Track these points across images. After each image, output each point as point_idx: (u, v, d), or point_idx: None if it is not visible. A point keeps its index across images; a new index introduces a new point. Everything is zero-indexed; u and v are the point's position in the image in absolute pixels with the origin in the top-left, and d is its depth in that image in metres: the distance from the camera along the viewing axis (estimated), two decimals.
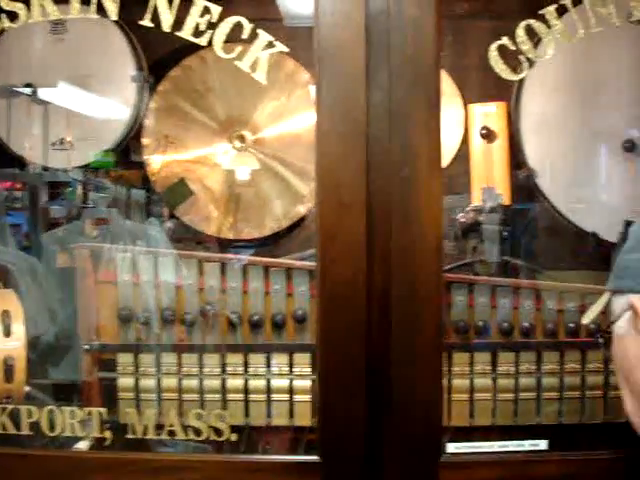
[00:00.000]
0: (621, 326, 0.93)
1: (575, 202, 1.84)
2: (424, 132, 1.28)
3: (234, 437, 1.42)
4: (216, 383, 1.63)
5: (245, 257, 1.68)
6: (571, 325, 1.65)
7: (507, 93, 1.84)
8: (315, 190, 1.31)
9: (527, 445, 1.37)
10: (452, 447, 1.34)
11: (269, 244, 1.93)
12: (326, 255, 1.29)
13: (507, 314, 1.66)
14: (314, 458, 1.32)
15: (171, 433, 1.42)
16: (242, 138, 1.89)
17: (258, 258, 1.66)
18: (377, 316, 1.30)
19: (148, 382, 1.63)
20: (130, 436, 1.43)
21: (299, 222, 1.92)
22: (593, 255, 1.84)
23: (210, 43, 1.32)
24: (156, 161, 1.90)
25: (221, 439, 1.41)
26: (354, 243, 1.28)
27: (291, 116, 1.89)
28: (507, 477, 1.33)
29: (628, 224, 1.75)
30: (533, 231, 1.91)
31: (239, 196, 1.90)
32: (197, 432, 1.41)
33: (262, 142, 1.90)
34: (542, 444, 1.37)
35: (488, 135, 1.80)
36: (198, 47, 1.37)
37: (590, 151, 1.86)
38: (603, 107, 1.85)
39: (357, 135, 1.28)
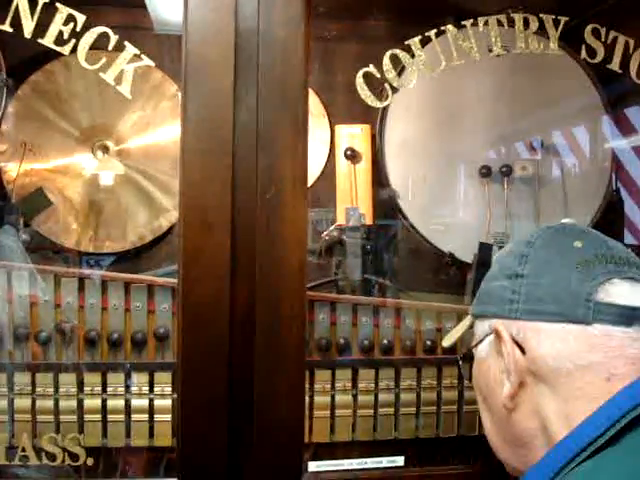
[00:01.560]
0: (482, 350, 0.98)
1: (433, 223, 1.92)
2: (290, 154, 1.29)
3: (90, 461, 1.37)
4: (72, 403, 1.56)
5: (104, 272, 1.63)
6: (428, 342, 1.72)
7: (373, 116, 1.88)
8: (179, 209, 1.29)
9: (385, 462, 1.41)
10: (313, 466, 1.36)
11: (130, 258, 1.87)
12: (189, 274, 1.28)
13: (368, 332, 1.70)
14: None
15: (24, 457, 1.35)
16: (105, 148, 1.83)
17: (119, 274, 1.61)
18: (240, 335, 1.30)
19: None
20: None
21: (162, 237, 1.88)
22: (449, 275, 1.92)
23: (73, 52, 1.27)
24: (13, 169, 1.80)
25: (77, 463, 1.36)
26: (218, 262, 1.27)
27: (156, 128, 1.85)
28: None
29: (482, 246, 1.85)
30: (394, 250, 1.97)
31: (100, 208, 1.84)
32: (52, 457, 1.35)
33: (126, 153, 1.84)
34: (399, 460, 1.41)
35: (353, 156, 1.84)
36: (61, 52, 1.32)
37: (449, 175, 1.95)
38: (462, 134, 1.94)
39: (223, 154, 1.27)
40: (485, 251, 1.87)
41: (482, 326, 0.99)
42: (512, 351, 0.90)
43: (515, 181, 1.95)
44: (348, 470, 1.38)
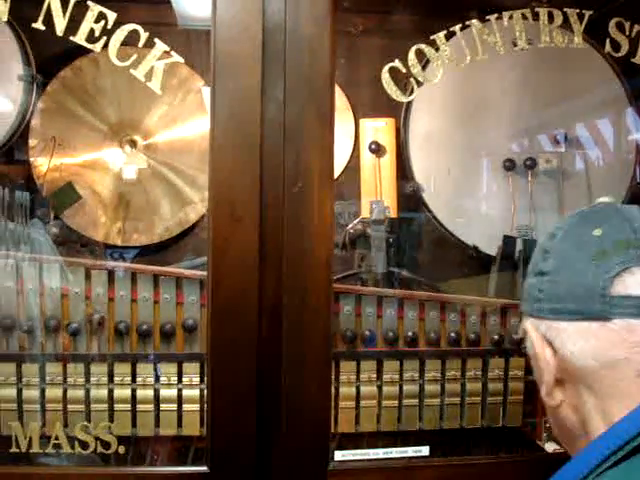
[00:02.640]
0: (528, 347, 0.97)
1: (457, 216, 1.93)
2: (317, 148, 1.31)
3: (122, 449, 1.40)
4: (103, 393, 1.59)
5: (133, 265, 1.66)
6: (452, 334, 1.73)
7: (397, 110, 1.90)
8: (208, 202, 1.32)
9: (410, 451, 1.43)
10: (339, 455, 1.38)
11: (158, 251, 1.90)
12: (218, 267, 1.30)
13: (392, 324, 1.71)
14: (203, 469, 1.32)
15: (56, 446, 1.39)
16: (133, 143, 1.86)
17: (148, 266, 1.64)
18: (268, 327, 1.32)
19: (32, 393, 1.57)
20: (14, 450, 1.38)
21: (189, 230, 1.91)
22: (473, 267, 1.94)
23: (104, 48, 1.30)
24: (43, 163, 1.84)
25: (109, 452, 1.39)
26: (246, 255, 1.30)
27: (183, 122, 1.88)
28: None
29: (506, 238, 1.86)
30: (418, 243, 1.98)
31: (128, 202, 1.87)
32: (84, 445, 1.39)
33: (154, 147, 1.87)
34: (424, 450, 1.43)
35: (377, 150, 1.86)
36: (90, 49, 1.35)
37: (472, 168, 1.95)
38: (486, 127, 1.95)
39: (251, 149, 1.30)
40: (509, 244, 1.88)
41: (525, 323, 0.98)
42: (542, 350, 0.91)
43: (539, 174, 1.96)
44: (373, 459, 1.41)
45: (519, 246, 1.89)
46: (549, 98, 1.97)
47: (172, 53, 1.32)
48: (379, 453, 1.42)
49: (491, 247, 1.91)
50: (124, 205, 1.85)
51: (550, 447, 1.72)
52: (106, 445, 1.39)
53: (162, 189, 1.87)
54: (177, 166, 1.88)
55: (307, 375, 1.33)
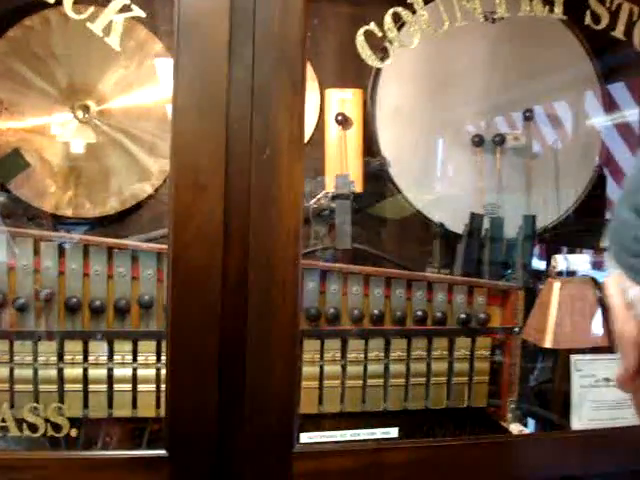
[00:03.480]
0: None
1: (424, 193, 1.88)
2: (287, 113, 1.24)
3: (74, 432, 1.31)
4: (52, 373, 1.50)
5: (86, 237, 1.56)
6: (419, 313, 1.68)
7: (364, 81, 1.83)
8: (169, 170, 1.23)
9: (378, 433, 1.38)
10: (305, 437, 1.32)
11: (112, 223, 1.80)
12: (180, 239, 1.22)
13: (358, 301, 1.66)
14: (161, 452, 1.25)
15: (3, 429, 1.29)
16: (86, 108, 1.75)
17: (102, 238, 1.54)
18: (232, 302, 1.25)
19: None
20: None
21: (146, 201, 1.81)
22: (439, 245, 1.89)
23: (59, 2, 1.20)
24: None
25: (59, 435, 1.30)
26: (210, 227, 1.22)
27: (140, 88, 1.77)
28: (359, 465, 1.33)
29: (473, 216, 1.82)
30: (384, 219, 1.93)
31: (80, 170, 1.76)
32: (33, 428, 1.29)
33: (108, 114, 1.76)
34: (393, 432, 1.38)
35: (344, 122, 1.79)
36: (41, 6, 1.24)
37: (441, 144, 1.90)
38: (455, 102, 1.89)
39: (217, 112, 1.21)
40: (476, 222, 1.84)
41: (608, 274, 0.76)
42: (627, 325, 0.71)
43: (507, 151, 1.92)
44: (341, 442, 1.35)
45: (486, 224, 1.85)
46: (519, 75, 1.93)
47: (133, 7, 1.22)
48: (346, 435, 1.36)
49: (458, 225, 1.86)
50: (76, 174, 1.75)
51: (515, 428, 1.69)
52: (57, 428, 1.30)
53: (117, 157, 1.76)
54: (134, 133, 1.77)
55: (273, 355, 1.26)
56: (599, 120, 2.04)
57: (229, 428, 1.26)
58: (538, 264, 1.94)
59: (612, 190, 2.10)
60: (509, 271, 1.86)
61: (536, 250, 1.95)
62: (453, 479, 1.39)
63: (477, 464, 1.42)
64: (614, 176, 2.14)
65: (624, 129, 2.18)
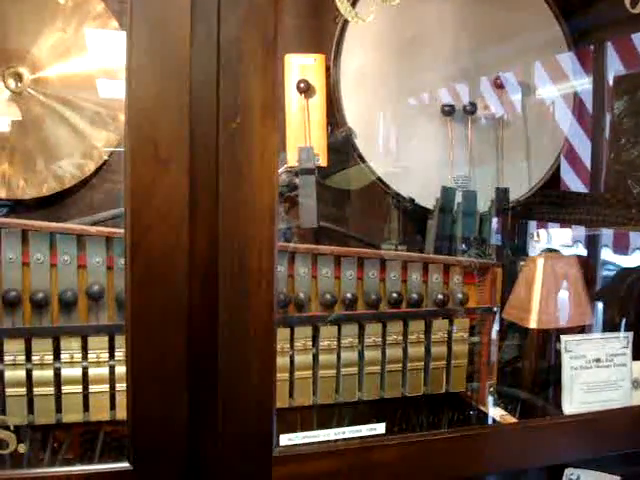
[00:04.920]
0: None
1: (392, 166, 1.75)
2: (259, 76, 1.09)
3: (22, 449, 1.14)
4: None
5: (23, 221, 1.37)
6: (393, 295, 1.57)
7: (326, 45, 1.69)
8: (125, 142, 1.07)
9: (364, 430, 1.26)
10: (285, 439, 1.19)
11: (52, 205, 1.61)
12: (139, 221, 1.06)
13: (329, 285, 1.53)
14: (124, 465, 1.09)
15: None
16: (18, 76, 1.55)
17: (43, 222, 1.36)
18: (200, 291, 1.10)
19: None
20: None
21: (89, 178, 1.62)
22: (410, 221, 1.78)
23: None
24: None
25: (5, 451, 1.13)
26: (173, 207, 1.07)
27: (80, 53, 1.58)
28: (345, 466, 1.21)
29: (445, 190, 1.71)
30: (351, 195, 1.80)
31: (14, 146, 1.56)
32: None
33: (44, 82, 1.56)
34: (379, 427, 1.27)
35: (306, 89, 1.64)
36: None
37: (409, 113, 1.78)
38: (423, 68, 1.77)
39: (179, 76, 1.06)
40: (448, 196, 1.73)
41: None
42: None
43: (477, 121, 1.81)
44: (325, 441, 1.23)
45: (458, 198, 1.74)
46: (490, 39, 1.82)
47: None
48: (330, 434, 1.24)
49: (428, 199, 1.75)
50: (9, 150, 1.55)
51: (497, 413, 1.61)
52: (2, 444, 1.14)
53: (56, 131, 1.57)
54: (75, 103, 1.58)
55: (248, 349, 1.12)
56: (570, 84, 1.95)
57: (201, 434, 1.12)
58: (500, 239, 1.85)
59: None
60: (466, 247, 1.76)
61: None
62: (445, 472, 1.29)
63: (467, 455, 1.33)
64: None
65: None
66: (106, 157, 1.59)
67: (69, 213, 1.61)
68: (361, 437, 1.26)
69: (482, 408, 1.64)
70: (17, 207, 1.57)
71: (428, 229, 1.75)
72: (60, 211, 1.61)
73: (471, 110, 1.77)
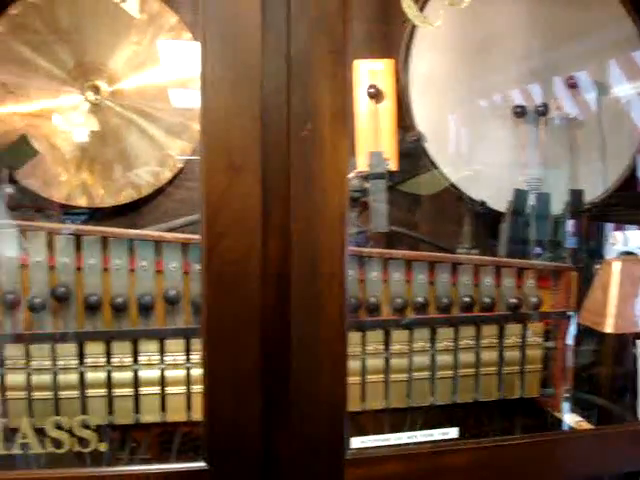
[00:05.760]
0: None
1: (463, 169, 1.74)
2: (329, 82, 1.10)
3: (103, 447, 1.19)
4: (73, 377, 1.38)
5: (103, 229, 1.42)
6: (465, 299, 1.55)
7: (395, 50, 1.69)
8: (200, 150, 1.10)
9: (437, 434, 1.25)
10: (357, 441, 1.20)
11: (130, 213, 1.67)
12: (213, 228, 1.09)
13: (400, 288, 1.53)
14: (200, 465, 1.12)
15: (24, 446, 1.16)
16: (96, 89, 1.61)
17: (122, 230, 1.41)
18: (273, 296, 1.12)
19: None
20: None
21: (165, 186, 1.67)
22: (482, 224, 1.76)
23: None
24: None
25: (87, 450, 1.18)
26: (247, 213, 1.09)
27: (155, 65, 1.63)
28: (417, 470, 1.21)
29: (517, 192, 1.68)
30: (422, 199, 1.80)
31: (93, 156, 1.63)
32: (57, 443, 1.17)
33: (121, 94, 1.63)
34: (452, 432, 1.26)
35: (376, 95, 1.65)
36: None
37: (480, 116, 1.76)
38: (493, 70, 1.75)
39: (250, 84, 1.08)
40: (520, 198, 1.71)
41: None
42: None
43: (550, 122, 1.78)
44: (396, 445, 1.23)
45: (531, 201, 1.72)
46: (561, 38, 1.79)
47: None
48: (402, 437, 1.24)
49: (500, 202, 1.73)
50: (88, 160, 1.61)
51: (572, 419, 1.57)
52: (83, 442, 1.18)
53: (133, 141, 1.63)
54: (151, 113, 1.63)
55: (320, 354, 1.13)
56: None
57: (274, 435, 1.14)
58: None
59: None
60: (541, 250, 1.73)
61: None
62: (518, 479, 1.27)
63: (541, 461, 1.30)
64: None
65: None
66: (181, 165, 1.64)
67: (145, 220, 1.66)
68: (433, 441, 1.26)
69: (557, 414, 1.61)
70: (96, 215, 1.63)
71: (501, 232, 1.73)
72: (137, 218, 1.67)
73: (543, 111, 1.74)
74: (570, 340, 1.61)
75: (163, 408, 1.42)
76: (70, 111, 1.63)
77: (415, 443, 1.24)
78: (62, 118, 1.63)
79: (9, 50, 1.62)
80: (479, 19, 1.72)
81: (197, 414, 1.40)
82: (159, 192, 1.67)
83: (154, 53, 1.62)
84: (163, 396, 1.42)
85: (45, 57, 1.62)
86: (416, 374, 1.53)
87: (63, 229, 1.40)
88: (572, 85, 1.78)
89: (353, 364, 1.48)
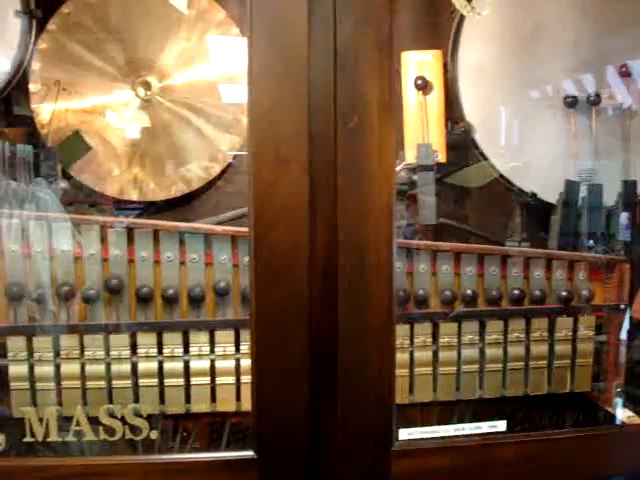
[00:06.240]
0: None
1: (513, 160, 1.72)
2: (375, 74, 1.10)
3: (154, 435, 1.21)
4: (125, 367, 1.41)
5: (155, 222, 1.45)
6: (515, 292, 1.54)
7: (443, 41, 1.68)
8: (247, 144, 1.11)
9: (485, 427, 1.25)
10: (405, 433, 1.20)
11: (179, 206, 1.70)
12: (262, 220, 1.10)
13: (448, 281, 1.52)
14: (248, 453, 1.14)
15: (78, 433, 1.20)
16: (147, 85, 1.64)
17: (172, 223, 1.44)
18: (320, 287, 1.13)
19: (44, 369, 1.39)
20: (29, 439, 1.19)
21: (214, 180, 1.70)
22: (532, 217, 1.74)
23: None
24: (46, 110, 1.63)
25: (139, 438, 1.21)
26: (294, 205, 1.10)
27: (204, 60, 1.65)
28: (464, 463, 1.21)
29: (569, 184, 1.66)
30: (470, 191, 1.78)
31: (144, 151, 1.66)
32: (110, 431, 1.20)
33: (171, 90, 1.65)
34: (500, 425, 1.25)
35: (424, 86, 1.64)
36: None
37: (530, 106, 1.74)
38: (543, 59, 1.72)
39: (297, 77, 1.09)
40: (572, 190, 1.68)
41: None
42: None
43: (602, 111, 1.75)
44: (444, 437, 1.23)
45: (583, 192, 1.69)
46: (613, 26, 1.75)
47: None
48: (450, 430, 1.24)
49: (550, 194, 1.70)
50: (139, 155, 1.64)
51: (624, 414, 1.54)
52: (134, 429, 1.21)
53: (183, 136, 1.65)
54: (201, 108, 1.65)
55: (368, 344, 1.14)
56: None
57: (321, 425, 1.15)
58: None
59: None
60: (593, 243, 1.70)
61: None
62: (568, 473, 1.26)
63: (592, 456, 1.29)
64: None
65: None
66: (230, 159, 1.66)
67: (195, 214, 1.69)
68: (481, 434, 1.25)
69: (608, 409, 1.58)
70: (147, 209, 1.66)
71: (552, 224, 1.70)
72: (187, 212, 1.69)
73: (595, 101, 1.71)
74: (623, 334, 1.58)
75: (213, 398, 1.44)
76: (121, 107, 1.66)
77: (463, 436, 1.23)
78: (114, 114, 1.66)
79: (62, 48, 1.65)
80: (528, 7, 1.69)
81: (246, 404, 1.42)
82: (209, 186, 1.69)
83: (203, 48, 1.64)
84: (213, 387, 1.44)
85: (97, 54, 1.65)
86: (465, 367, 1.52)
87: (116, 222, 1.43)
88: (625, 74, 1.74)
89: (401, 357, 1.48)
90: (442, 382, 1.52)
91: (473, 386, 1.53)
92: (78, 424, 1.19)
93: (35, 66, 1.65)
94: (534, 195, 1.70)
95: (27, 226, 1.41)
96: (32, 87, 1.65)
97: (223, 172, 1.68)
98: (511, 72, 1.72)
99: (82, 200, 1.68)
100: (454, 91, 1.69)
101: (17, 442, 1.23)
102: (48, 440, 1.19)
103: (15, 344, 1.38)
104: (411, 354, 1.50)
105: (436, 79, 1.65)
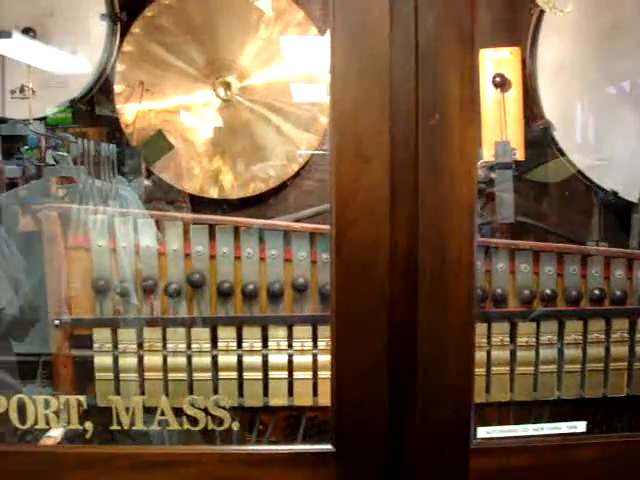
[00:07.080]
0: None
1: (593, 158, 1.69)
2: (457, 71, 1.10)
3: (236, 426, 1.24)
4: (206, 360, 1.45)
5: (236, 219, 1.48)
6: (595, 292, 1.51)
7: (521, 38, 1.66)
8: (329, 141, 1.13)
9: (564, 427, 1.23)
10: (483, 432, 1.20)
11: (258, 204, 1.73)
12: (343, 216, 1.11)
13: (527, 280, 1.51)
14: (328, 447, 1.15)
15: (162, 422, 1.24)
16: (227, 85, 1.68)
17: (253, 220, 1.47)
18: (401, 284, 1.13)
19: (129, 360, 1.44)
20: (115, 427, 1.24)
21: (292, 179, 1.72)
22: (613, 215, 1.71)
23: None
24: (130, 111, 1.68)
25: (221, 428, 1.24)
26: (375, 202, 1.11)
27: (282, 60, 1.68)
28: (543, 463, 1.19)
29: None
30: (549, 189, 1.76)
31: (225, 150, 1.70)
32: (193, 421, 1.23)
33: (250, 89, 1.69)
34: (580, 426, 1.23)
35: (502, 84, 1.63)
36: None
37: (610, 102, 1.70)
38: (624, 54, 1.68)
39: (379, 75, 1.09)
40: None
41: None
42: None
43: None
44: (523, 437, 1.22)
45: None
46: None
47: None
48: (528, 429, 1.23)
49: (632, 192, 1.67)
50: (220, 154, 1.68)
51: None
52: (216, 420, 1.24)
53: (263, 135, 1.69)
54: (280, 107, 1.68)
55: (447, 341, 1.13)
56: None
57: (400, 421, 1.15)
58: None
59: None
60: None
61: None
62: None
63: None
64: None
65: None
66: (308, 157, 1.68)
67: (272, 211, 1.71)
68: (560, 434, 1.23)
69: None
70: (226, 206, 1.70)
71: (633, 223, 1.66)
72: (264, 209, 1.72)
73: None
74: None
75: (290, 393, 1.46)
76: (202, 107, 1.70)
77: (542, 435, 1.22)
78: (195, 114, 1.70)
79: (145, 50, 1.71)
80: (607, 3, 1.66)
81: (323, 399, 1.44)
82: (286, 184, 1.71)
83: (281, 48, 1.67)
84: (290, 381, 1.46)
85: (178, 56, 1.70)
86: (543, 367, 1.50)
87: (198, 219, 1.47)
88: None
89: (478, 355, 1.47)
90: (519, 382, 1.50)
91: (551, 387, 1.51)
92: (163, 414, 1.23)
93: (120, 68, 1.71)
94: (615, 194, 1.66)
95: (112, 222, 1.47)
96: (117, 88, 1.71)
97: (300, 170, 1.70)
98: (591, 68, 1.69)
99: (163, 198, 1.73)
100: (533, 88, 1.67)
101: (98, 430, 1.27)
102: (126, 428, 1.24)
103: (101, 336, 1.44)
104: (488, 353, 1.49)
105: (514, 76, 1.64)
